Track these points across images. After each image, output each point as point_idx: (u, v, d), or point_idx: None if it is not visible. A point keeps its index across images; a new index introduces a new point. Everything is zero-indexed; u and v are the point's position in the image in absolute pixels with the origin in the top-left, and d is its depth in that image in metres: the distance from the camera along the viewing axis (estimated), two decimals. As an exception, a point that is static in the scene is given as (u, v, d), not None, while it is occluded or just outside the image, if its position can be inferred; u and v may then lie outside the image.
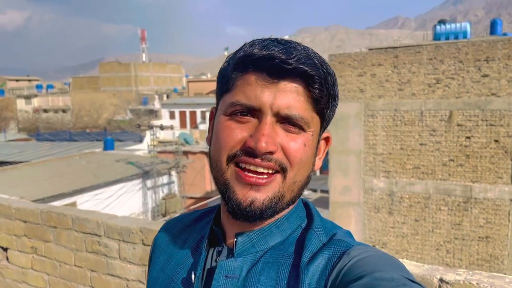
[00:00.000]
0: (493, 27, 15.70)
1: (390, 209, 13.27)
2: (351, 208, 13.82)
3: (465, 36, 13.51)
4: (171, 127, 27.32)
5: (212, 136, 0.74)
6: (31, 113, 52.15)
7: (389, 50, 13.03)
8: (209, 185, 21.44)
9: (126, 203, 17.08)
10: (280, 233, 0.72)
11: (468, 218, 12.36)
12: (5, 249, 2.78)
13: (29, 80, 76.94)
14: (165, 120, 32.83)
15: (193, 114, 34.66)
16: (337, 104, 0.73)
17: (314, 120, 0.69)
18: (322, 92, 0.67)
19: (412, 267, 1.32)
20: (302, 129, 0.68)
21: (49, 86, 67.54)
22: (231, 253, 0.72)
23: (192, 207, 18.71)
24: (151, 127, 21.22)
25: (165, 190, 19.74)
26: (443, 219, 12.66)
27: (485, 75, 11.86)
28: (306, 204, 0.78)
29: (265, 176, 0.66)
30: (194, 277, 0.73)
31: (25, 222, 2.66)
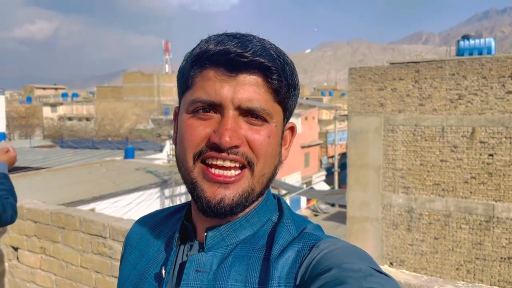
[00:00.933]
0: (519, 43, 15.41)
1: (409, 226, 13.01)
2: (369, 223, 13.61)
3: (489, 52, 13.31)
4: (191, 137, 27.50)
5: (177, 136, 0.74)
6: (56, 120, 53.41)
7: (411, 65, 12.91)
8: (226, 196, 21.45)
9: (144, 211, 17.20)
10: (251, 227, 0.72)
11: (490, 238, 12.01)
12: (16, 249, 2.83)
13: (56, 89, 79.02)
14: (185, 131, 32.96)
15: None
16: (298, 93, 0.73)
17: (276, 110, 0.69)
18: (281, 82, 0.67)
19: (410, 277, 1.29)
20: (265, 120, 0.68)
21: (74, 95, 69.21)
22: (202, 248, 0.72)
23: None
24: (171, 136, 21.44)
25: (183, 199, 19.84)
26: (463, 238, 12.34)
27: (510, 92, 11.62)
28: (277, 198, 0.78)
29: (233, 173, 0.67)
30: (165, 272, 0.73)
31: (35, 222, 2.70)
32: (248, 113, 0.67)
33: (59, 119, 53.52)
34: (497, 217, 11.91)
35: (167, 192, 18.85)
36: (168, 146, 22.31)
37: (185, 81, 0.72)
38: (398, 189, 13.10)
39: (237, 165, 0.67)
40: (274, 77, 0.66)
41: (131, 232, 0.88)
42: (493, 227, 11.99)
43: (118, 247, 2.28)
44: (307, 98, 44.70)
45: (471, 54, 13.78)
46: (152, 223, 0.86)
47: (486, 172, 11.96)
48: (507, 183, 11.76)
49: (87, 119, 53.61)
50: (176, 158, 0.73)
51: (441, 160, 12.46)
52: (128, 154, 23.96)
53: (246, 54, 0.64)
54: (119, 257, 2.45)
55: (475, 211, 12.18)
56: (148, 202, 17.96)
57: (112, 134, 46.30)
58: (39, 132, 49.54)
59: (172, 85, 62.53)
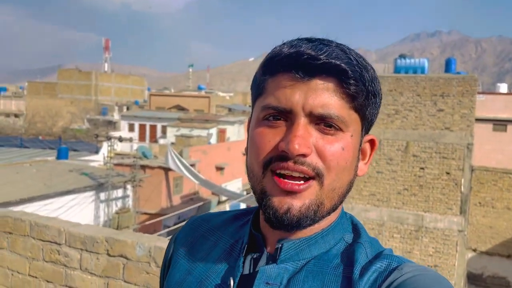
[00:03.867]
0: (448, 65, 16.53)
1: (345, 234, 13.46)
2: (308, 231, 13.91)
3: (423, 71, 14.16)
4: (130, 140, 26.74)
5: (248, 145, 0.71)
6: (-20, 115, 49.63)
7: (352, 79, 13.42)
8: (165, 201, 21.00)
9: (76, 215, 16.40)
10: (325, 244, 0.69)
11: (418, 247, 12.72)
12: (-50, 255, 2.56)
13: (-19, 81, 73.41)
14: (123, 132, 32.08)
15: (153, 128, 34.11)
16: (380, 102, 0.69)
17: (352, 119, 0.65)
18: (358, 87, 0.63)
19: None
20: (339, 129, 0.64)
21: (2, 89, 64.68)
22: (271, 259, 0.68)
23: (147, 223, 18.21)
24: (109, 138, 20.65)
25: (119, 204, 19.14)
26: (395, 247, 12.95)
27: (440, 110, 12.43)
28: (350, 217, 0.75)
29: (302, 182, 0.63)
30: (233, 283, 0.69)
31: (-24, 226, 2.47)
32: (320, 120, 0.63)
33: (-16, 114, 49.79)
34: (426, 227, 12.64)
35: (102, 195, 18.09)
36: (106, 148, 21.46)
37: (257, 88, 0.69)
38: (336, 198, 13.53)
39: (306, 177, 0.63)
40: (351, 81, 0.62)
41: (182, 233, 0.83)
42: (422, 237, 12.71)
43: (75, 255, 2.13)
44: (250, 106, 45.03)
45: (406, 72, 14.58)
46: (208, 227, 0.81)
47: (417, 184, 12.67)
48: (435, 195, 12.54)
49: (16, 116, 50.29)
50: (246, 167, 0.70)
51: (377, 172, 13.04)
52: (61, 155, 22.83)
53: (320, 57, 0.61)
54: (75, 265, 2.30)
55: (406, 221, 12.85)
56: (81, 206, 17.14)
57: (44, 133, 43.77)
58: (-41, 127, 45.72)
59: (111, 84, 60.45)
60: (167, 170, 20.50)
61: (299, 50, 0.62)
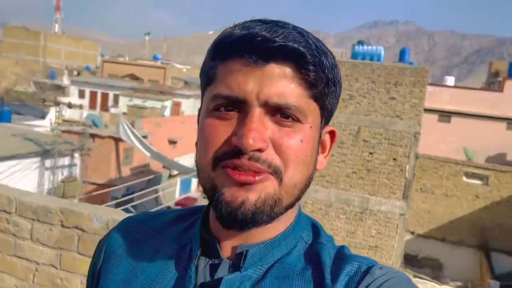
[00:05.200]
0: (402, 55, 17.02)
1: (294, 213, 13.79)
2: (257, 208, 14.11)
3: (379, 59, 14.49)
4: (80, 107, 25.71)
5: (197, 140, 0.63)
6: None
7: (311, 62, 13.53)
8: (114, 171, 20.52)
9: (19, 181, 15.70)
10: (286, 245, 0.63)
11: (362, 228, 13.27)
12: None
13: None
14: (73, 98, 30.79)
15: (105, 96, 32.95)
16: (340, 91, 0.63)
17: (311, 108, 0.59)
18: (317, 73, 0.57)
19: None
20: (298, 120, 0.57)
21: None
22: (233, 267, 0.61)
23: (94, 193, 17.76)
24: (57, 103, 19.76)
25: (65, 172, 18.50)
26: (340, 227, 13.45)
27: (393, 98, 12.85)
28: (306, 216, 0.70)
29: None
30: None
31: None
32: (276, 111, 0.57)
33: None
34: (370, 210, 13.18)
35: (48, 163, 17.40)
36: (53, 114, 20.52)
37: (206, 74, 0.62)
38: (287, 178, 13.77)
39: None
40: (310, 67, 0.56)
41: (114, 237, 0.72)
42: (366, 218, 13.27)
43: (26, 224, 2.04)
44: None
45: (363, 58, 14.86)
46: (145, 230, 0.71)
47: (365, 168, 13.13)
48: (381, 179, 13.07)
49: (-46, 72, 46.79)
50: (195, 163, 0.63)
51: (329, 154, 13.38)
52: (4, 118, 21.71)
53: (276, 39, 0.54)
54: (26, 235, 2.22)
55: (352, 203, 13.33)
56: (25, 172, 16.42)
57: (-16, 93, 41.07)
58: None
59: (61, 47, 57.49)
60: (117, 140, 19.97)
61: (253, 32, 0.55)
